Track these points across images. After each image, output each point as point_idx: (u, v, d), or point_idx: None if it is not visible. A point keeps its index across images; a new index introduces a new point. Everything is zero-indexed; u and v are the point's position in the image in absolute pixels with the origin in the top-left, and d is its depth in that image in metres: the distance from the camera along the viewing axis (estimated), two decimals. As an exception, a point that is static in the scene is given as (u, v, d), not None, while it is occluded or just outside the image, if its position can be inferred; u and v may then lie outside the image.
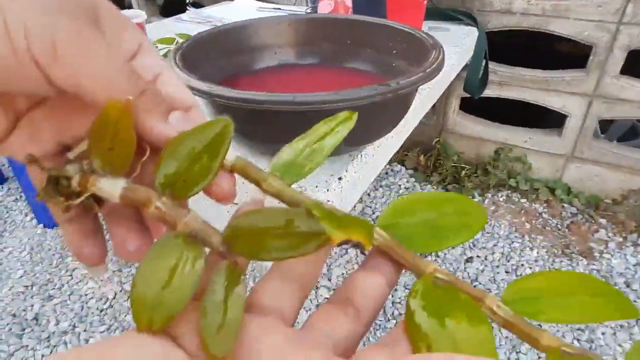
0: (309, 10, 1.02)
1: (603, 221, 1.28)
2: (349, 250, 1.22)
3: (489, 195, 1.39)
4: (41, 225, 1.38)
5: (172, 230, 0.17)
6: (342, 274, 1.16)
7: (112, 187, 0.17)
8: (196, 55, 0.53)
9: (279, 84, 0.62)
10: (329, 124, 0.20)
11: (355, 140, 0.50)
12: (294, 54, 0.67)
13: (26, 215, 1.42)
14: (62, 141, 0.19)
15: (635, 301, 1.08)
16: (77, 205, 0.18)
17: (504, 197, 1.38)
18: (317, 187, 0.48)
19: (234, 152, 0.19)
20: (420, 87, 0.47)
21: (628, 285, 1.11)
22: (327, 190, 0.48)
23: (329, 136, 0.20)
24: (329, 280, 1.14)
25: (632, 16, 1.05)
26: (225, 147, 0.17)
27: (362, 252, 1.22)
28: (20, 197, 1.50)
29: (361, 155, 0.54)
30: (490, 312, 0.15)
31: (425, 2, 0.87)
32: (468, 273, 1.16)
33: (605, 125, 1.34)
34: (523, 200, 1.36)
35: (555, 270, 0.16)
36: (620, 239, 1.23)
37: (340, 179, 0.50)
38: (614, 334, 1.01)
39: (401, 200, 0.18)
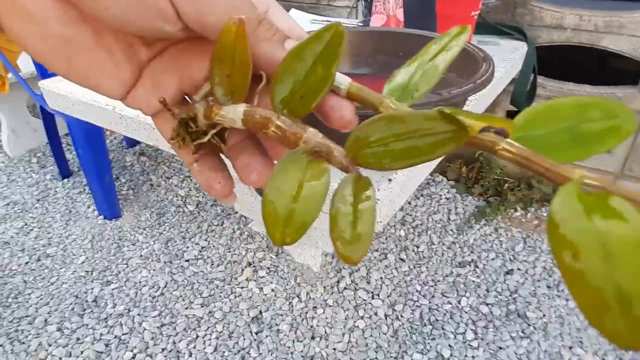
0: (361, 24, 1.07)
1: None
2: (388, 256, 1.25)
3: (532, 209, 1.38)
4: (102, 217, 1.49)
5: (293, 149, 0.17)
6: (381, 277, 1.19)
7: (234, 113, 0.18)
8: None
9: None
10: (441, 42, 0.19)
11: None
12: (348, 64, 0.71)
13: (89, 207, 1.54)
14: (183, 89, 0.20)
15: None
16: (205, 144, 0.19)
17: (547, 212, 1.36)
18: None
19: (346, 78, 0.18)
20: (469, 98, 0.50)
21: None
22: (378, 190, 0.52)
23: (441, 54, 0.19)
24: (368, 283, 1.17)
25: (690, 33, 1.03)
26: (339, 51, 0.17)
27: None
28: (84, 189, 1.63)
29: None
30: None
31: (475, 16, 0.90)
32: (508, 285, 1.16)
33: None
34: (568, 216, 1.34)
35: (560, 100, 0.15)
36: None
37: (390, 180, 0.54)
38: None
39: (536, 108, 0.16)
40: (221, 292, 1.17)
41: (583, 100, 0.15)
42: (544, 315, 1.08)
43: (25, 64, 1.50)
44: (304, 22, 1.28)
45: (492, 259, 1.23)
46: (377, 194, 0.52)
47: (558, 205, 0.13)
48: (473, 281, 1.18)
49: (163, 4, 0.16)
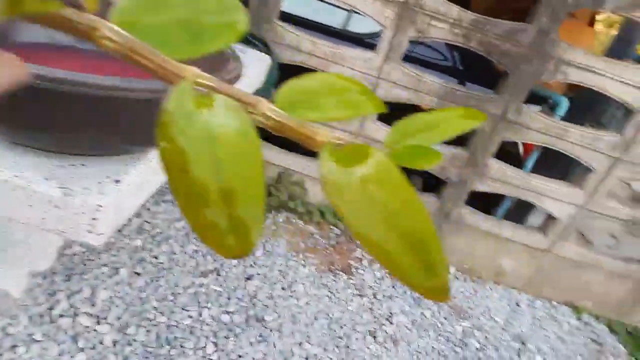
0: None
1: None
2: (120, 270, 1.09)
3: (269, 215, 1.46)
4: None
5: None
6: (110, 297, 1.02)
7: None
8: None
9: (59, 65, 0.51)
10: None
11: (140, 139, 0.45)
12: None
13: None
14: None
15: (372, 303, 1.29)
16: None
17: (284, 219, 1.47)
18: (86, 189, 0.41)
19: None
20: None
21: (375, 296, 1.32)
22: (101, 193, 0.42)
23: None
24: (93, 305, 0.98)
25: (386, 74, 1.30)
26: None
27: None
28: None
29: (148, 159, 0.49)
30: (264, 118, 0.14)
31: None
32: (248, 291, 1.18)
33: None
34: (300, 222, 1.48)
35: (325, 73, 0.16)
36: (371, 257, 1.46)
37: (117, 181, 0.44)
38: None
39: None
40: None
41: None
42: (279, 316, 1.14)
43: None
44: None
45: (234, 266, 1.24)
46: (99, 199, 0.41)
47: (171, 106, 0.12)
48: (215, 290, 1.15)
49: None
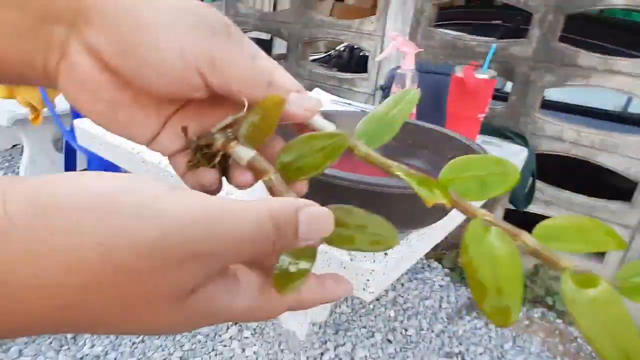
0: (376, 109, 1.17)
1: None
2: (375, 334, 1.24)
3: (524, 309, 1.38)
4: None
5: None
6: (366, 355, 1.17)
7: (244, 153, 0.22)
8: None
9: (341, 167, 0.72)
10: (395, 101, 0.26)
11: (403, 223, 0.59)
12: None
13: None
14: (198, 134, 0.24)
15: None
16: (203, 162, 0.24)
17: (540, 314, 1.36)
18: (365, 257, 0.56)
19: None
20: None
21: None
22: (374, 261, 0.56)
23: (395, 109, 0.26)
24: (352, 359, 1.15)
25: (679, 161, 1.11)
26: (340, 151, 0.23)
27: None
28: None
29: (407, 239, 0.62)
30: (523, 244, 0.20)
31: (482, 118, 0.98)
32: (493, 384, 1.13)
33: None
34: (559, 321, 1.34)
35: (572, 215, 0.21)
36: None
37: (386, 254, 0.58)
38: None
39: (457, 161, 0.23)
40: (202, 348, 1.16)
41: (486, 158, 0.23)
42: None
43: (60, 102, 1.61)
44: (325, 101, 1.39)
45: (480, 354, 1.22)
46: (373, 265, 0.56)
47: (469, 233, 0.20)
48: (458, 375, 1.15)
49: (195, 80, 0.21)
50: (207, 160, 0.24)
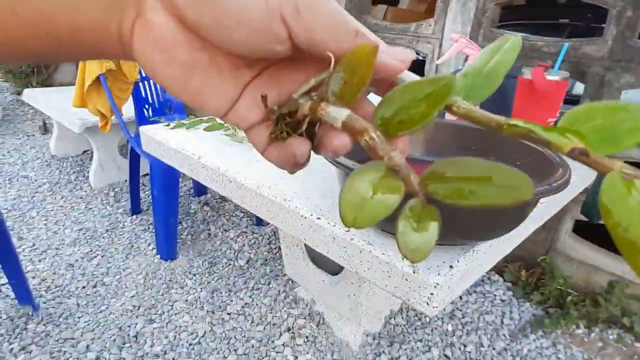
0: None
1: None
2: (432, 349, 1.19)
3: (597, 329, 1.27)
4: (158, 256, 1.56)
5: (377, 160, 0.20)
6: (421, 372, 1.12)
7: (338, 114, 0.20)
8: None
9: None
10: (491, 51, 0.23)
11: (470, 234, 0.55)
12: (421, 150, 0.75)
13: (149, 244, 1.63)
14: (279, 101, 0.23)
15: None
16: (297, 130, 0.22)
17: (615, 336, 1.25)
18: (429, 269, 0.53)
19: None
20: (540, 200, 0.51)
21: None
22: (438, 274, 0.53)
23: (493, 60, 0.22)
24: (407, 375, 1.11)
25: None
26: (446, 99, 0.20)
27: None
28: (149, 228, 1.73)
29: (473, 250, 0.58)
30: None
31: (552, 123, 0.92)
32: (562, 410, 1.04)
33: None
34: (638, 345, 1.22)
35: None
36: None
37: (451, 267, 0.54)
38: None
39: (575, 111, 0.19)
40: (256, 353, 1.16)
41: (610, 105, 0.19)
42: None
43: (126, 110, 1.70)
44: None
45: None
46: (437, 278, 0.52)
47: (609, 192, 0.17)
48: (523, 397, 1.08)
49: (278, 29, 0.19)
50: (292, 129, 0.22)
